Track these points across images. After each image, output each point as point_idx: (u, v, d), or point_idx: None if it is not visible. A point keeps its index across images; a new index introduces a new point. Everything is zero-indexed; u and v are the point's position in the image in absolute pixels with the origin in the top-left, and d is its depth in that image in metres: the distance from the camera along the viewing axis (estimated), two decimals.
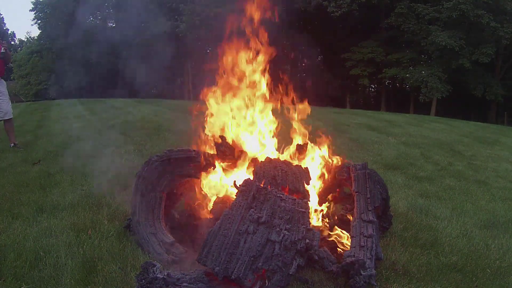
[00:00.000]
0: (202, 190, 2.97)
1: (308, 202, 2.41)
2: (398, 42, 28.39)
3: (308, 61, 31.30)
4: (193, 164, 2.82)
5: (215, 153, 2.93)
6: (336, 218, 3.09)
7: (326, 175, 3.06)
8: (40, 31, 39.26)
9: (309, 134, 3.22)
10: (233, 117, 3.11)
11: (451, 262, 2.73)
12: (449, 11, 22.77)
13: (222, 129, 3.06)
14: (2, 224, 3.09)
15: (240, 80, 3.16)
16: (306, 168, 2.68)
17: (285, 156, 3.08)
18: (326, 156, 3.15)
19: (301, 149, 3.07)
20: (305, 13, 26.71)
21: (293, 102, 3.30)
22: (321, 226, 2.86)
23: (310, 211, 2.50)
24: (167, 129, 7.92)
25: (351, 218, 2.80)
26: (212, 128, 3.11)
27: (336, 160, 3.09)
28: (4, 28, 48.31)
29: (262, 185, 2.27)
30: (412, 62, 27.30)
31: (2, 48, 5.90)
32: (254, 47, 3.16)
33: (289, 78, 3.32)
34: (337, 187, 3.13)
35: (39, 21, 38.25)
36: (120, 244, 2.73)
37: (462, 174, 5.67)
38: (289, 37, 24.89)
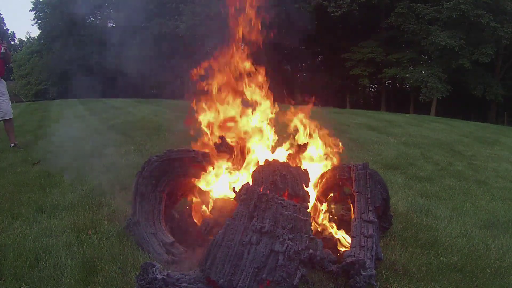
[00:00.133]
0: (202, 190, 2.97)
1: (308, 207, 2.40)
2: (398, 42, 28.38)
3: (308, 61, 31.31)
4: (193, 164, 2.82)
5: (215, 153, 2.93)
6: (336, 218, 3.09)
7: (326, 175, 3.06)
8: (40, 31, 39.28)
9: (309, 134, 3.22)
10: (234, 117, 3.11)
11: (451, 262, 2.73)
12: (449, 11, 22.76)
13: (222, 130, 3.06)
14: (2, 224, 3.09)
15: (240, 80, 3.16)
16: (306, 170, 2.67)
17: (284, 155, 3.08)
18: (326, 156, 3.15)
19: (301, 149, 3.07)
20: (305, 13, 26.69)
21: (293, 102, 3.30)
22: (321, 226, 2.86)
23: (310, 214, 2.49)
24: (167, 129, 7.92)
25: (351, 218, 2.79)
26: (212, 128, 3.11)
27: (336, 159, 3.10)
28: (4, 28, 48.32)
29: (261, 191, 2.25)
30: (412, 62, 27.29)
31: (2, 48, 5.91)
32: (254, 47, 3.16)
33: (289, 78, 3.33)
34: (337, 187, 3.13)
35: (39, 21, 38.25)
36: (120, 244, 2.73)
37: (462, 174, 5.67)
38: (288, 37, 24.88)
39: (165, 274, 1.92)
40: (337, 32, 29.72)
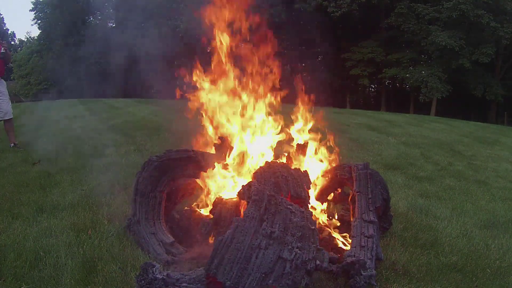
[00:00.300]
0: (202, 191, 2.97)
1: (312, 214, 2.38)
2: (398, 42, 28.38)
3: (308, 61, 31.29)
4: (193, 165, 2.82)
5: (215, 153, 2.93)
6: (336, 217, 3.09)
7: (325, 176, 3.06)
8: (40, 31, 39.29)
9: (309, 134, 3.22)
10: (233, 117, 3.11)
11: (451, 262, 2.73)
12: (449, 11, 22.77)
13: (220, 129, 3.06)
14: (2, 224, 3.09)
15: (239, 80, 3.16)
16: (306, 172, 2.67)
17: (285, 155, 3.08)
18: (326, 155, 3.15)
19: (301, 149, 3.07)
20: (305, 13, 26.68)
21: (293, 102, 3.30)
22: (321, 226, 2.86)
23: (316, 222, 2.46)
24: (167, 129, 7.92)
25: (351, 218, 2.79)
26: (211, 128, 3.11)
27: (335, 158, 3.10)
28: (4, 28, 48.35)
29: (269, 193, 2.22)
30: (412, 62, 27.29)
31: (2, 48, 5.90)
32: (254, 46, 3.16)
33: (289, 78, 3.33)
34: (337, 187, 3.13)
35: (39, 21, 38.26)
36: (120, 244, 2.73)
37: (462, 174, 5.67)
38: (288, 37, 24.88)
39: (165, 274, 1.91)
40: (337, 32, 29.71)
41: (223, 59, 3.09)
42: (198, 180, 2.92)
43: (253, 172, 2.61)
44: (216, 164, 2.85)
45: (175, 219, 2.99)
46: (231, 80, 3.12)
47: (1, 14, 52.37)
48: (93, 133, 7.74)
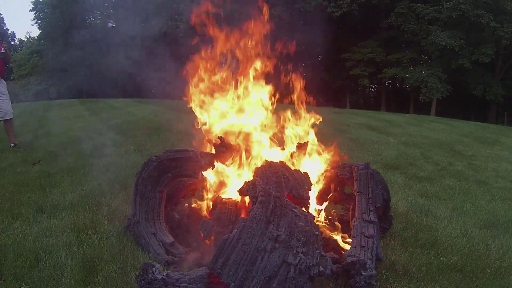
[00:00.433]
0: (202, 191, 2.96)
1: (314, 217, 2.37)
2: (398, 42, 28.40)
3: (308, 61, 31.29)
4: (192, 165, 2.82)
5: (214, 153, 2.92)
6: (336, 217, 3.09)
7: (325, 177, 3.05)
8: (40, 31, 39.30)
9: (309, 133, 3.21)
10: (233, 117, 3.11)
11: (451, 262, 2.73)
12: (449, 11, 22.78)
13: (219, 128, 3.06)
14: (2, 224, 3.09)
15: (240, 80, 3.16)
16: (306, 173, 2.67)
17: (285, 156, 3.08)
18: (326, 155, 3.15)
19: (301, 148, 3.07)
20: (305, 13, 26.70)
21: (293, 102, 3.30)
22: (322, 226, 2.86)
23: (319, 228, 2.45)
24: (167, 129, 7.92)
25: (351, 218, 2.79)
26: (211, 128, 3.10)
27: (334, 158, 3.09)
28: (4, 28, 48.35)
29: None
30: (412, 62, 27.31)
31: (2, 48, 5.91)
32: (254, 46, 3.16)
33: (289, 78, 3.32)
34: (337, 187, 3.13)
35: (39, 21, 38.28)
36: (120, 244, 2.73)
37: (462, 174, 5.67)
38: (288, 37, 24.90)
39: (165, 274, 1.91)
40: (337, 32, 29.70)
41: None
42: (198, 181, 2.92)
43: (254, 170, 2.61)
44: (216, 164, 2.85)
45: (175, 219, 2.99)
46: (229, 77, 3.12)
47: (1, 14, 52.40)
48: (93, 133, 7.74)
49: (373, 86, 35.83)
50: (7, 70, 7.62)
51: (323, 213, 3.07)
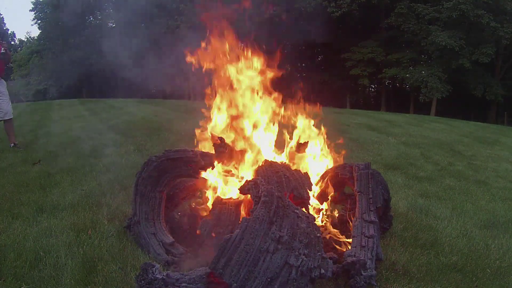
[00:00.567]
0: (201, 191, 2.96)
1: (315, 219, 2.37)
2: (398, 42, 28.39)
3: (308, 61, 31.32)
4: (191, 165, 2.82)
5: (214, 153, 2.92)
6: (336, 217, 3.09)
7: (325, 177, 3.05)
8: (40, 31, 39.30)
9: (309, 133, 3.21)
10: (233, 117, 3.11)
11: (451, 262, 2.73)
12: (449, 11, 22.78)
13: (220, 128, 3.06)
14: (2, 224, 3.09)
15: (240, 80, 3.16)
16: (306, 174, 2.66)
17: (285, 155, 3.08)
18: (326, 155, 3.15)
19: (301, 148, 3.07)
20: (305, 13, 26.70)
21: (294, 102, 3.30)
22: (322, 225, 2.86)
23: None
24: (167, 129, 7.92)
25: (351, 218, 2.79)
26: (211, 128, 3.11)
27: (334, 158, 3.09)
28: (4, 28, 48.36)
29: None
30: (412, 62, 27.30)
31: (2, 48, 5.90)
32: (255, 47, 3.16)
33: (289, 78, 3.33)
34: (338, 187, 3.12)
35: (39, 21, 38.28)
36: (120, 244, 2.73)
37: (462, 174, 5.67)
38: (289, 37, 24.88)
39: (165, 274, 1.91)
40: (337, 32, 29.71)
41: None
42: (198, 181, 2.92)
43: (255, 169, 2.61)
44: (215, 164, 2.85)
45: (175, 219, 2.99)
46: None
47: (1, 14, 52.43)
48: (93, 133, 7.74)
49: (373, 86, 35.83)
50: (7, 70, 7.62)
51: (322, 213, 3.07)
